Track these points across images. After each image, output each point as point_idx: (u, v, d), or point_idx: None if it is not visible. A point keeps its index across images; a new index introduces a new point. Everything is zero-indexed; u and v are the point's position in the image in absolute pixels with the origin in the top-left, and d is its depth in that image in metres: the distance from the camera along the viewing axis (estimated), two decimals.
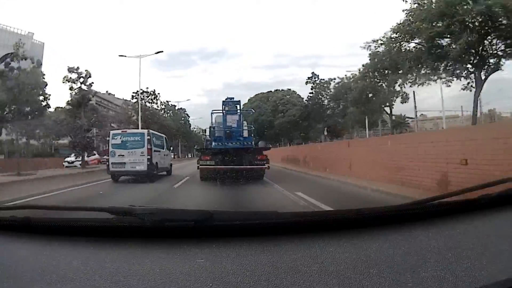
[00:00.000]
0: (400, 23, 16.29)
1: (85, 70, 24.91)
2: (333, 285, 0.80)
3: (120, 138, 13.12)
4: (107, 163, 13.44)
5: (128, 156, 12.74)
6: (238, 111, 13.08)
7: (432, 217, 1.16)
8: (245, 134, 13.16)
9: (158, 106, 45.70)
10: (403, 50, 17.28)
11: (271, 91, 50.95)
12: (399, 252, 0.94)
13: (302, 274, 0.84)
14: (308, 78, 42.80)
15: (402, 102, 25.35)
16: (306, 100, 43.57)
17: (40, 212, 1.58)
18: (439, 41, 15.32)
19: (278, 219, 1.15)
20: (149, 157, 12.74)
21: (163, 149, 15.20)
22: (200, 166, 11.42)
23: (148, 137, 13.04)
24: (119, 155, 12.79)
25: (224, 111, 12.79)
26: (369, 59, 20.57)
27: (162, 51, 35.97)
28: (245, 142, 12.58)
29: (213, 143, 12.42)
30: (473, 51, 14.59)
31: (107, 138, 13.69)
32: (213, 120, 13.30)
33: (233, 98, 13.45)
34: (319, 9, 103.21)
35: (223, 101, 13.09)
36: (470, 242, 1.00)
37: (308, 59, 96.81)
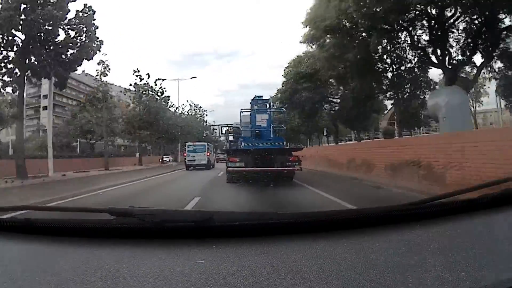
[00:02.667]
0: None
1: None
2: (333, 285, 0.80)
3: (192, 147, 25.33)
4: (185, 160, 25.55)
5: (197, 156, 24.45)
6: (268, 110, 12.59)
7: (432, 217, 1.16)
8: (276, 134, 12.58)
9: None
10: None
11: None
12: (399, 252, 0.94)
13: (302, 274, 0.84)
14: None
15: None
16: None
17: (40, 213, 1.58)
18: None
19: (278, 219, 1.15)
20: (208, 157, 24.95)
21: (212, 152, 28.35)
22: (228, 169, 10.82)
23: (208, 147, 25.73)
24: (192, 155, 24.59)
25: (253, 110, 12.29)
26: None
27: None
28: (276, 142, 11.81)
29: (243, 144, 11.79)
30: None
31: (185, 147, 26.89)
32: (241, 119, 12.92)
33: (261, 96, 12.95)
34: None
35: (252, 100, 12.58)
36: (470, 242, 1.00)
37: None
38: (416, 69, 19.76)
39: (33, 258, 1.01)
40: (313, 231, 1.07)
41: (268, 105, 12.78)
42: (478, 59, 18.38)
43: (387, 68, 20.33)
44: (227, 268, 0.88)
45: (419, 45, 18.55)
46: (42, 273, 0.90)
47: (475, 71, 19.16)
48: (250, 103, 12.71)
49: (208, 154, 25.10)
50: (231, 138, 14.83)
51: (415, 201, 1.21)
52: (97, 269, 0.90)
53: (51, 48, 14.42)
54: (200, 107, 51.42)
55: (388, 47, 18.66)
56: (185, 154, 26.49)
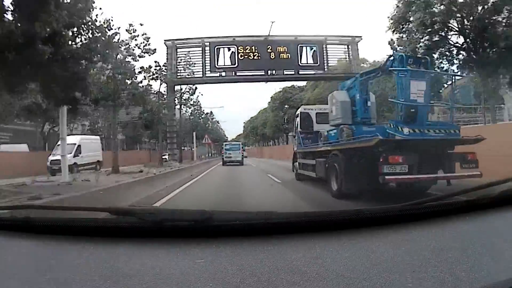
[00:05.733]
0: None
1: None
2: (333, 285, 0.80)
3: (229, 145, 29.36)
4: (223, 156, 28.48)
5: (232, 154, 27.62)
6: (427, 73, 7.09)
7: (432, 217, 1.16)
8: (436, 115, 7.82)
9: None
10: None
11: None
12: (399, 252, 0.94)
13: (302, 274, 0.84)
14: None
15: None
16: None
17: (40, 212, 1.58)
18: None
19: (278, 219, 1.15)
20: (241, 154, 28.59)
21: (244, 151, 32.78)
22: (387, 178, 5.88)
23: (242, 146, 30.31)
24: (228, 153, 27.81)
25: (402, 73, 6.71)
26: None
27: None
28: (447, 129, 6.73)
29: (405, 130, 6.36)
30: None
31: (222, 146, 32.31)
32: (333, 100, 8.48)
33: (402, 54, 7.41)
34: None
35: (402, 56, 7.01)
36: (470, 242, 1.00)
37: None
38: None
39: (33, 257, 1.01)
40: (313, 231, 1.06)
41: (424, 66, 7.13)
42: None
43: None
44: (226, 267, 0.88)
45: None
46: (42, 272, 0.90)
47: None
48: (397, 61, 7.02)
49: (242, 152, 29.37)
50: (299, 128, 10.90)
51: (415, 201, 1.21)
52: (96, 268, 0.90)
53: None
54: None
55: None
56: (222, 152, 30.48)
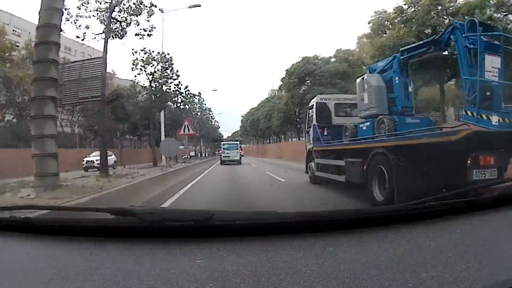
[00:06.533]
0: None
1: None
2: (333, 285, 0.80)
3: (227, 145, 29.24)
4: (221, 156, 28.57)
5: (230, 153, 27.54)
6: (502, 46, 5.43)
7: (432, 217, 1.16)
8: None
9: None
10: None
11: None
12: (399, 252, 0.94)
13: (302, 274, 0.84)
14: None
15: None
16: None
17: (40, 212, 1.58)
18: None
19: (278, 219, 1.15)
20: (239, 153, 28.67)
21: (241, 149, 32.10)
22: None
23: (240, 145, 30.38)
24: (226, 152, 27.63)
25: (476, 42, 5.16)
26: None
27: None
28: None
29: (494, 119, 5.00)
30: None
31: (220, 145, 32.65)
32: (363, 84, 7.05)
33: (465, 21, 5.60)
34: None
35: (473, 21, 5.47)
36: (470, 242, 1.00)
37: None
38: None
39: (33, 257, 1.01)
40: (313, 231, 1.07)
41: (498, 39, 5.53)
42: None
43: None
44: (227, 267, 0.88)
45: None
46: (42, 272, 0.90)
47: None
48: (445, 36, 5.78)
49: (240, 151, 29.72)
50: (314, 119, 9.32)
51: (415, 201, 1.21)
52: (96, 268, 0.90)
53: None
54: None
55: None
56: (220, 151, 30.88)
